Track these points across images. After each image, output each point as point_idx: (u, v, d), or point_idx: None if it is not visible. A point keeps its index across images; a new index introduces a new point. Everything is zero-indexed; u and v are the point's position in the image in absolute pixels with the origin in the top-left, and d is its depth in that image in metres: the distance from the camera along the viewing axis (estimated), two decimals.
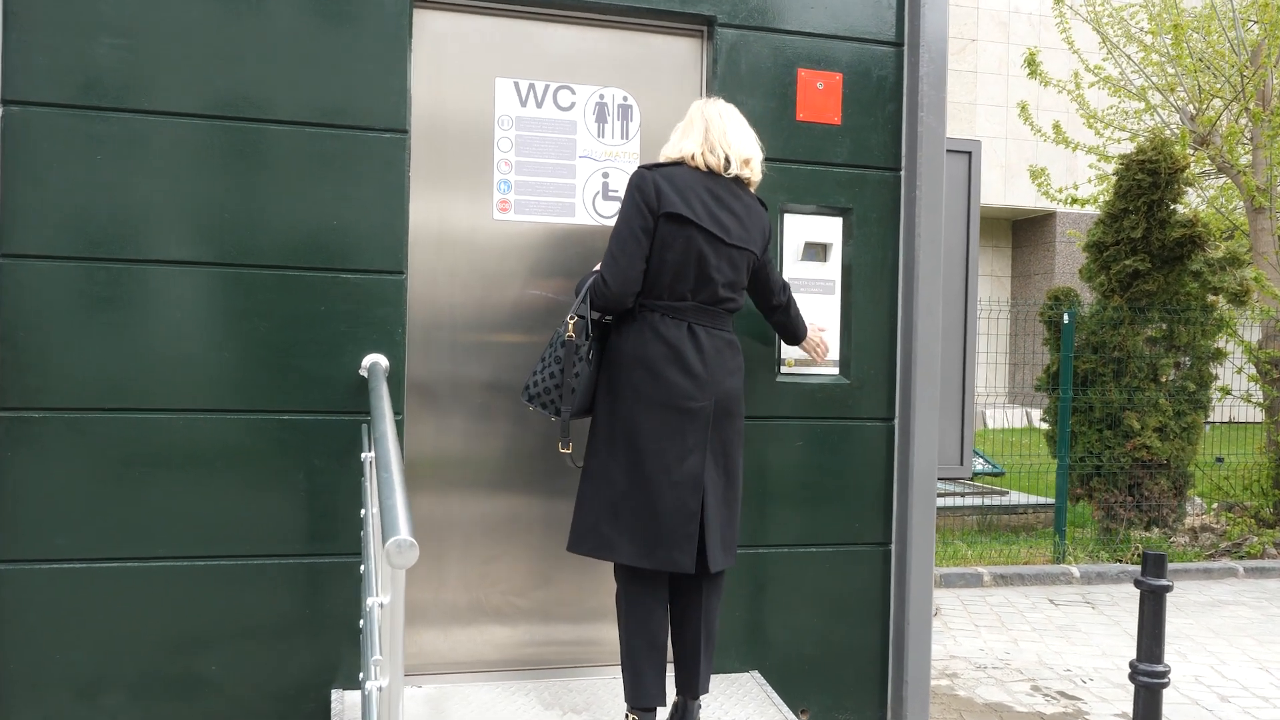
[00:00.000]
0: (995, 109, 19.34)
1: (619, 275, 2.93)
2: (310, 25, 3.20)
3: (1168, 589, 3.03)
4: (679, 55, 3.63)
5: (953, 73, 18.98)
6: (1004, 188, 19.36)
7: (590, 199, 3.54)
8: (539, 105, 3.49)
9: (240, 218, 3.16)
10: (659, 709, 3.00)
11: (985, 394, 9.77)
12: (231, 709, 3.17)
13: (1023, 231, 21.04)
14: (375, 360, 3.21)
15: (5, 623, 3.00)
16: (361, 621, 1.82)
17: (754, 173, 3.12)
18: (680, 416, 2.93)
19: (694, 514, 2.94)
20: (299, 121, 3.19)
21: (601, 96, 3.56)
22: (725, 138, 3.05)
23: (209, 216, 3.14)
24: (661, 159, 3.10)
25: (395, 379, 3.24)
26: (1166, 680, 3.02)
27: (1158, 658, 3.00)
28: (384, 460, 2.13)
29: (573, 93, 3.52)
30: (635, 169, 3.04)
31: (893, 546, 3.76)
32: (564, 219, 3.52)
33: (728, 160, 3.04)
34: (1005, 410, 15.39)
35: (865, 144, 3.70)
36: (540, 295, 3.51)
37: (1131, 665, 3.07)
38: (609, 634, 3.86)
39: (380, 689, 1.91)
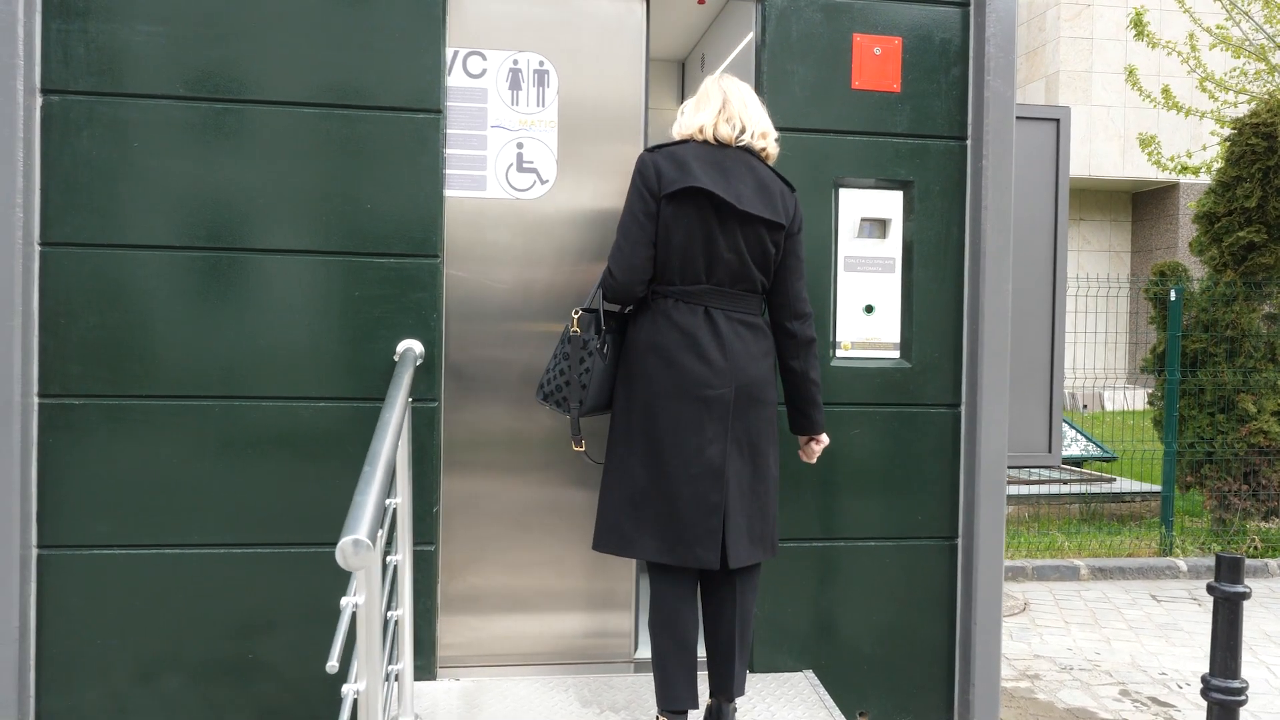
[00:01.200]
0: (1112, 76, 18.39)
1: (624, 264, 2.82)
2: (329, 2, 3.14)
3: (1244, 596, 2.74)
4: (606, 18, 3.40)
5: (1067, 39, 18.20)
6: (1122, 159, 18.45)
7: (503, 171, 3.38)
8: (448, 73, 3.30)
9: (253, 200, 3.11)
10: (691, 711, 2.86)
11: (1103, 375, 9.30)
12: (286, 693, 3.15)
13: (1143, 204, 20.04)
14: (409, 346, 3.14)
15: (74, 606, 3.03)
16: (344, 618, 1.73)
17: (771, 146, 2.95)
18: (698, 406, 2.79)
19: (716, 507, 2.79)
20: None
21: (515, 62, 3.37)
22: (746, 110, 2.91)
23: (205, 200, 3.10)
24: (675, 136, 2.95)
25: (431, 364, 3.17)
26: (1244, 697, 2.74)
27: (1233, 672, 2.72)
28: (373, 452, 2.04)
29: (484, 59, 3.34)
30: (642, 153, 2.88)
31: (959, 540, 3.53)
32: (474, 193, 3.34)
33: (743, 129, 2.89)
34: (1125, 392, 14.75)
35: (927, 112, 3.47)
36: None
37: (1204, 680, 2.80)
38: None
39: (358, 693, 1.82)
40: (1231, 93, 9.53)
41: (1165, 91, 9.37)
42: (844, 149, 3.43)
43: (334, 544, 3.12)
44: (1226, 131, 9.53)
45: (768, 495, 2.91)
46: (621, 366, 2.92)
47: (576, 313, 2.89)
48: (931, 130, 3.48)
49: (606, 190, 3.37)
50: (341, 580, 3.11)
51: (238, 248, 3.11)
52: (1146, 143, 9.37)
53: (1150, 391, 7.64)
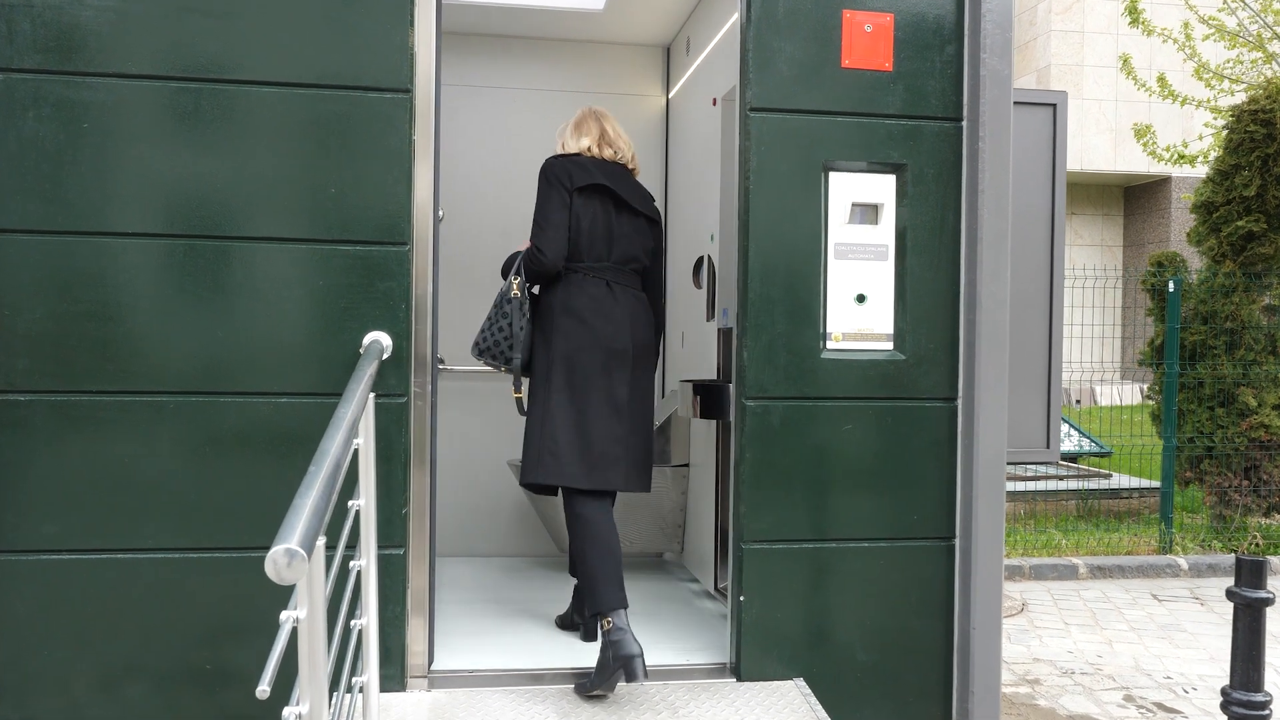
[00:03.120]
0: (1104, 70, 18.25)
1: (551, 245, 3.40)
2: None
3: (1267, 602, 2.58)
4: None
5: (1058, 33, 18.06)
6: (1114, 153, 18.32)
7: None
8: None
9: (199, 185, 2.95)
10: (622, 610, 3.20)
11: (1096, 370, 9.15)
12: (253, 701, 2.98)
13: (1135, 198, 19.91)
14: (375, 338, 2.98)
15: (23, 614, 2.87)
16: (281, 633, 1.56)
17: (638, 165, 3.71)
18: (607, 356, 3.40)
19: (620, 439, 3.41)
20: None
21: None
22: (619, 139, 3.63)
23: (161, 184, 2.93)
24: (563, 151, 3.61)
25: (399, 357, 3.00)
26: (1268, 712, 2.56)
27: (1256, 684, 2.55)
28: (320, 451, 1.87)
29: None
30: (546, 160, 3.49)
31: (957, 540, 3.38)
32: None
33: (617, 152, 3.60)
34: (1117, 386, 14.64)
35: (920, 92, 3.31)
36: None
37: (1224, 693, 2.63)
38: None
39: (299, 717, 1.65)
40: (1228, 81, 9.38)
41: (1161, 80, 9.21)
42: (834, 131, 3.27)
43: None
44: (1220, 122, 9.41)
45: (650, 435, 3.56)
46: (538, 331, 3.49)
47: (516, 278, 3.44)
48: (925, 111, 3.32)
49: None
50: None
51: (196, 235, 2.94)
52: (1141, 133, 9.23)
53: (1146, 385, 7.50)
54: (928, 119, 3.32)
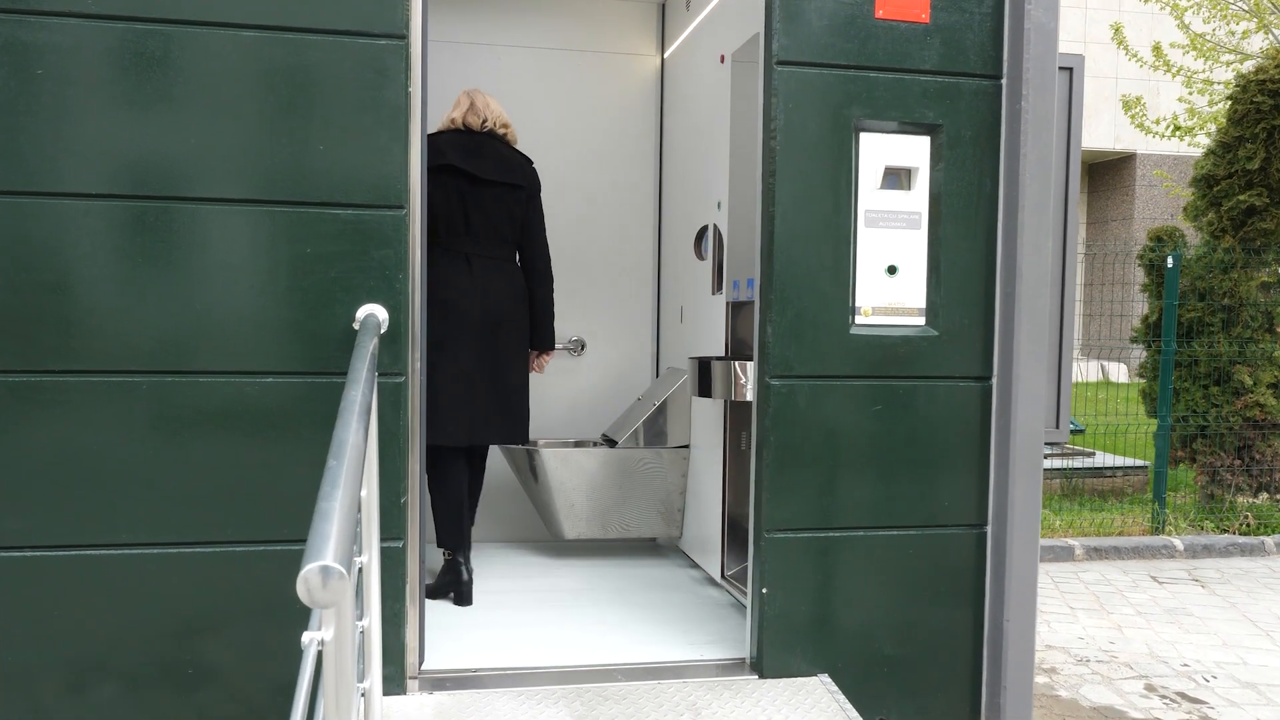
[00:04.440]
0: (1070, 44, 18.16)
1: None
2: None
3: None
4: None
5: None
6: (1081, 129, 18.27)
7: None
8: None
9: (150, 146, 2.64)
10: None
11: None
12: (231, 701, 2.73)
13: (1099, 175, 19.94)
14: (371, 312, 2.70)
15: None
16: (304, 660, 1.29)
17: (513, 131, 3.95)
18: (461, 328, 3.71)
19: (482, 399, 3.77)
20: None
21: None
22: (489, 108, 3.87)
23: (128, 139, 2.63)
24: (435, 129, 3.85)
25: (396, 332, 2.73)
26: None
27: None
28: (337, 441, 1.60)
29: None
30: None
31: (989, 528, 3.18)
32: None
33: (485, 120, 3.83)
34: (1079, 364, 14.62)
35: (958, 46, 3.07)
36: None
37: None
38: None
39: None
40: (1229, 53, 9.21)
41: (1156, 49, 9.02)
42: (865, 87, 3.02)
43: (284, 541, 2.71)
44: (1198, 99, 9.28)
45: (516, 394, 3.87)
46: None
47: None
48: (963, 67, 3.09)
49: None
50: (289, 579, 2.67)
51: (168, 196, 2.64)
52: (1131, 105, 9.06)
53: (1108, 364, 7.35)
54: (966, 76, 3.09)
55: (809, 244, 3.02)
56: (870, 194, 3.09)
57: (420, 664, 2.93)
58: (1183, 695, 4.08)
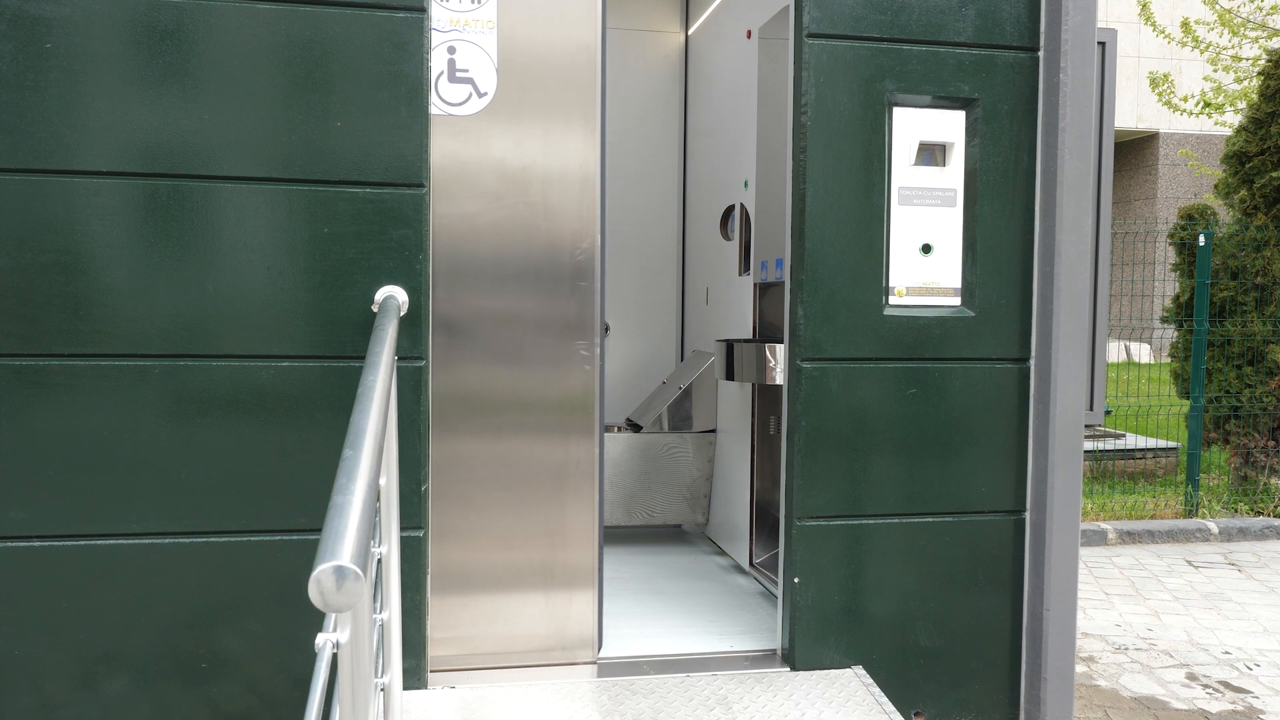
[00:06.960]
0: None
1: None
2: None
3: None
4: None
5: None
6: None
7: (432, 81, 2.79)
8: None
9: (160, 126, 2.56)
10: None
11: None
12: (246, 694, 2.66)
13: (1122, 155, 19.70)
14: (390, 294, 2.62)
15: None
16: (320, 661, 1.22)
17: None
18: None
19: None
20: None
21: None
22: None
23: (141, 116, 2.55)
24: None
25: (416, 315, 2.65)
26: None
27: None
28: (355, 429, 1.51)
29: None
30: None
31: (1028, 514, 3.08)
32: None
33: None
34: (1109, 345, 14.40)
35: (994, 18, 2.96)
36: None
37: None
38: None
39: None
40: (1257, 29, 8.99)
41: (1185, 25, 8.83)
42: (898, 60, 2.92)
43: (300, 531, 2.64)
44: (1223, 76, 9.08)
45: None
46: None
47: None
48: (999, 39, 2.97)
49: (555, 104, 2.82)
50: (306, 568, 2.60)
51: (181, 174, 2.56)
52: (1158, 82, 8.88)
53: (1130, 344, 7.20)
54: (1001, 48, 2.97)
55: (841, 223, 2.92)
56: (904, 170, 2.98)
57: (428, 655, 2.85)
58: (1226, 684, 3.97)
